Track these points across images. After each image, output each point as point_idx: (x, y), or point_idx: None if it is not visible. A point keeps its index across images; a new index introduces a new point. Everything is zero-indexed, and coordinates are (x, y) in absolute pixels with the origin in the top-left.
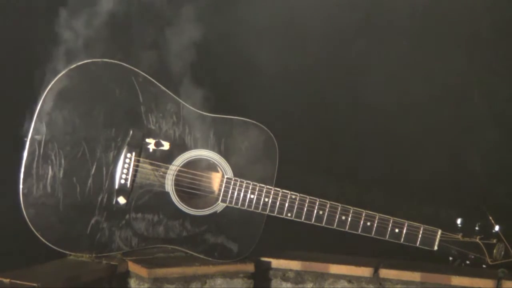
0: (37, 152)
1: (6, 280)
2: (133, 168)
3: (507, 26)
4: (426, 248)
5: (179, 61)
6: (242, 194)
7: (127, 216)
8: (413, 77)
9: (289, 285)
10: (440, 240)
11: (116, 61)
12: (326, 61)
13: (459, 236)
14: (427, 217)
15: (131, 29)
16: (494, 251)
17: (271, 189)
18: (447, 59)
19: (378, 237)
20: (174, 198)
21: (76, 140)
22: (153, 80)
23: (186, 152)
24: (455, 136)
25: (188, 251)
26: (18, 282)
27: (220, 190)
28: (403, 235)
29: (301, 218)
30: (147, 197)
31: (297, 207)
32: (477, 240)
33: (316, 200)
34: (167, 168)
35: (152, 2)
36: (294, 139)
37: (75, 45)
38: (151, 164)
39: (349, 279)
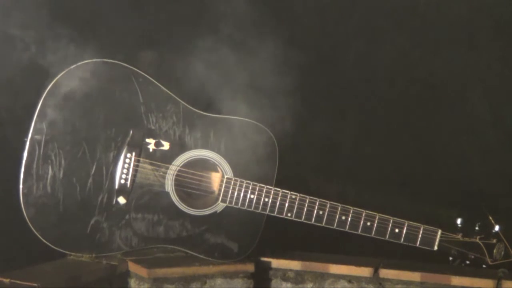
0: (37, 152)
1: (6, 280)
2: (133, 168)
3: (507, 26)
4: (426, 248)
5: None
6: (242, 194)
7: (127, 216)
8: (412, 77)
9: (289, 285)
10: (440, 240)
11: (116, 61)
12: (326, 61)
13: (459, 236)
14: (427, 217)
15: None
16: (494, 251)
17: (271, 189)
18: (447, 59)
19: (378, 237)
20: (174, 198)
21: (76, 140)
22: (153, 80)
23: (186, 152)
24: (455, 136)
25: (188, 251)
26: (18, 282)
27: (220, 190)
28: (403, 235)
29: (301, 218)
30: (147, 197)
31: (297, 207)
32: (477, 240)
33: (316, 200)
34: (167, 168)
35: None
36: (294, 139)
37: (74, 45)
38: (151, 164)
39: (349, 279)
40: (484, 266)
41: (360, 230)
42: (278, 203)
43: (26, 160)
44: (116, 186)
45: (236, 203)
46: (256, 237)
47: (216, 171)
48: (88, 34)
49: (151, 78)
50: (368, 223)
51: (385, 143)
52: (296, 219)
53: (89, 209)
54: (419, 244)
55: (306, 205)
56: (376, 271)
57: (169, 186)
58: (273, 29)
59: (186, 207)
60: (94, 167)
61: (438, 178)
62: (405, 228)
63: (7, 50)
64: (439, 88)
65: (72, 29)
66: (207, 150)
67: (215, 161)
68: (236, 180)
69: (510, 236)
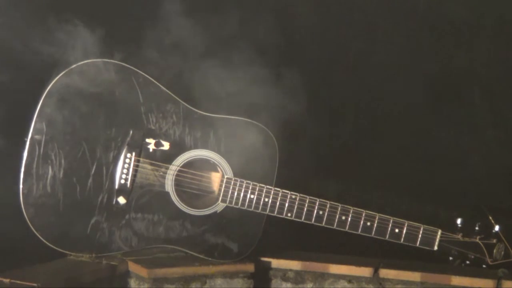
0: (37, 152)
1: (6, 280)
2: (133, 168)
3: (507, 26)
4: (426, 248)
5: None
6: (242, 194)
7: (127, 216)
8: (413, 77)
9: (289, 285)
10: (440, 240)
11: (116, 61)
12: (326, 61)
13: (459, 236)
14: (427, 217)
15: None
16: (494, 251)
17: (271, 189)
18: (447, 58)
19: (378, 237)
20: (174, 198)
21: (76, 140)
22: (153, 80)
23: (186, 152)
24: (455, 136)
25: (188, 251)
26: (18, 282)
27: (220, 190)
28: (403, 235)
29: (301, 218)
30: (147, 197)
31: (297, 207)
32: (477, 240)
33: (316, 200)
34: (167, 168)
35: None
36: (294, 139)
37: (74, 46)
38: (151, 164)
39: (349, 279)
40: (484, 266)
41: (360, 230)
42: (278, 203)
43: (26, 160)
44: (116, 186)
45: (236, 203)
46: (256, 237)
47: (216, 171)
48: (88, 33)
49: (151, 78)
50: (368, 223)
51: (385, 143)
52: (296, 219)
53: (89, 209)
54: (419, 244)
55: (306, 205)
56: (376, 271)
57: (169, 186)
58: (273, 29)
59: (186, 207)
60: (94, 167)
61: (438, 178)
62: (405, 228)
63: (6, 50)
64: (439, 88)
65: (72, 28)
66: (207, 150)
67: (215, 161)
68: (236, 180)
69: (510, 236)
